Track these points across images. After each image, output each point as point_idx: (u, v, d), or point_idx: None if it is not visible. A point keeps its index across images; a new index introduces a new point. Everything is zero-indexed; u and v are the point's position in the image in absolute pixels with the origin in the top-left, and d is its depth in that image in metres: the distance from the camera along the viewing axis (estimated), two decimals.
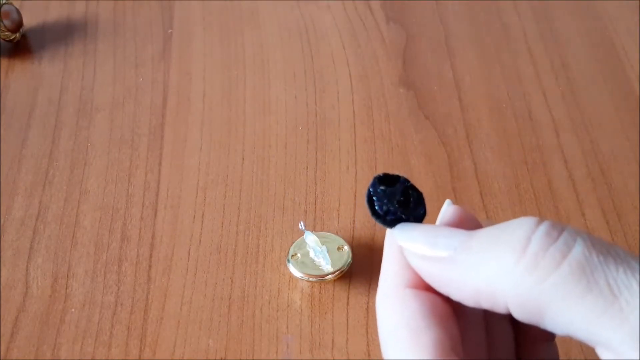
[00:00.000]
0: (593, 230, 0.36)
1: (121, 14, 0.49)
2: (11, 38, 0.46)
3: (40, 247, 0.37)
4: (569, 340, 0.20)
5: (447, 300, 0.24)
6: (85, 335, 0.34)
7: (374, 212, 0.24)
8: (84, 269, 0.36)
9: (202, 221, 0.38)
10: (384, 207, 0.24)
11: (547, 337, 0.25)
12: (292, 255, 0.35)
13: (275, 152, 0.41)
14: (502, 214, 0.37)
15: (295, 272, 0.35)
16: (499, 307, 0.22)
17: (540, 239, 0.21)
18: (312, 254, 0.35)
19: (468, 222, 0.25)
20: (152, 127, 0.42)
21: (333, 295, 0.35)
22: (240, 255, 0.36)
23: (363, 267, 0.36)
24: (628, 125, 0.41)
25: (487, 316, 0.25)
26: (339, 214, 0.38)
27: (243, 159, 0.40)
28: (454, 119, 0.42)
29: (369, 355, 0.33)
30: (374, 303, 0.34)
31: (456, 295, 0.23)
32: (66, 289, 0.35)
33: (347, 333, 0.33)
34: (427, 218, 0.24)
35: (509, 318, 0.24)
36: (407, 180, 0.25)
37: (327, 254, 0.35)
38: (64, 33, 0.48)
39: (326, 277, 0.35)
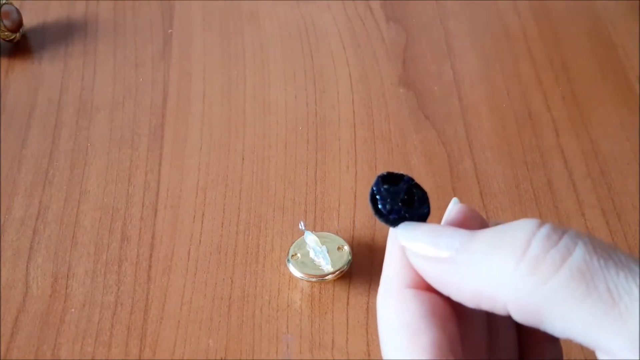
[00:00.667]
0: (593, 230, 0.36)
1: (121, 14, 0.49)
2: (11, 38, 0.46)
3: (40, 247, 0.37)
4: (570, 341, 0.20)
5: (447, 300, 0.24)
6: (85, 335, 0.34)
7: (377, 211, 0.24)
8: (84, 269, 0.36)
9: (202, 221, 0.38)
10: (387, 206, 0.24)
11: (551, 338, 0.25)
12: (292, 255, 0.35)
13: (275, 152, 0.41)
14: (502, 214, 0.37)
15: (295, 272, 0.35)
16: (498, 309, 0.22)
17: (540, 242, 0.21)
18: (312, 254, 0.35)
19: (474, 221, 0.25)
20: (152, 127, 0.42)
21: (333, 295, 0.35)
22: (240, 255, 0.36)
23: (363, 267, 0.36)
24: (628, 125, 0.41)
25: (489, 316, 0.25)
26: (339, 214, 0.38)
27: (243, 159, 0.40)
28: (454, 119, 0.42)
29: (369, 355, 0.33)
30: (374, 303, 0.34)
31: (456, 296, 0.23)
32: (66, 289, 0.35)
33: (347, 333, 0.33)
34: (431, 218, 0.24)
35: (512, 318, 0.24)
36: (411, 179, 0.25)
37: (327, 254, 0.35)
38: (64, 33, 0.48)
39: (326, 277, 0.35)
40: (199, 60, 0.46)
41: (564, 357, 0.26)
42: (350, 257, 0.35)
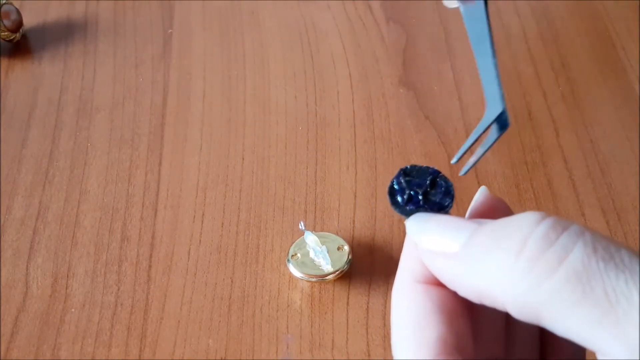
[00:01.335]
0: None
1: (121, 14, 0.49)
2: (11, 38, 0.46)
3: (40, 247, 0.37)
4: None
5: (458, 295, 0.23)
6: (85, 335, 0.34)
7: (394, 202, 0.24)
8: (84, 269, 0.36)
9: (202, 221, 0.38)
10: (405, 196, 0.24)
11: None
12: (292, 255, 0.35)
13: (275, 152, 0.41)
14: None
15: (295, 272, 0.35)
16: (499, 306, 0.21)
17: (538, 241, 0.20)
18: (312, 254, 0.35)
19: (500, 212, 0.25)
20: (152, 127, 0.42)
21: (333, 295, 0.35)
22: (240, 255, 0.36)
23: (363, 267, 0.36)
24: (628, 125, 0.41)
25: None
26: (339, 214, 0.38)
27: (243, 159, 0.40)
28: (454, 119, 0.42)
29: (369, 355, 0.33)
30: (374, 303, 0.34)
31: (461, 291, 0.22)
32: (66, 289, 0.35)
33: (347, 333, 0.33)
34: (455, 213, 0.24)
35: None
36: (437, 171, 0.24)
37: (327, 254, 0.35)
38: (64, 33, 0.48)
39: (326, 277, 0.35)
40: (199, 60, 0.46)
41: None
42: (350, 257, 0.35)
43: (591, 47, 0.46)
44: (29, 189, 0.39)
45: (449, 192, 0.24)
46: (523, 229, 0.21)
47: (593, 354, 0.20)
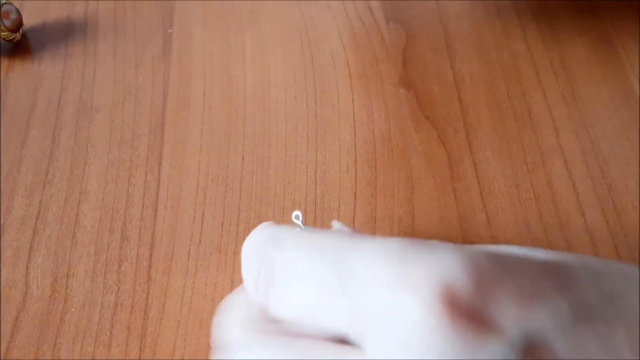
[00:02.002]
0: (593, 230, 0.36)
1: (121, 14, 0.49)
2: (11, 38, 0.46)
3: (40, 246, 0.37)
4: None
5: None
6: (85, 335, 0.34)
7: None
8: (84, 269, 0.36)
9: (202, 221, 0.38)
10: None
11: None
12: None
13: (275, 152, 0.41)
14: (502, 214, 0.37)
15: None
16: None
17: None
18: None
19: None
20: (152, 127, 0.42)
21: None
22: (240, 255, 0.36)
23: None
24: (628, 125, 0.41)
25: None
26: (339, 214, 0.38)
27: (243, 159, 0.40)
28: (454, 119, 0.42)
29: None
30: None
31: None
32: (66, 288, 0.35)
33: None
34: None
35: None
36: None
37: None
38: (64, 33, 0.48)
39: None
40: (199, 60, 0.46)
41: None
42: None
43: (591, 47, 0.46)
44: (29, 189, 0.39)
45: None
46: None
47: None
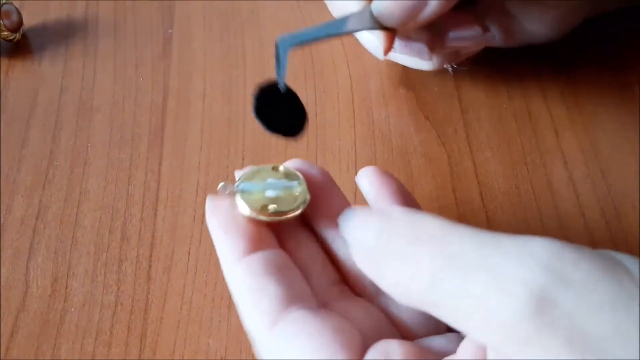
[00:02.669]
0: (593, 230, 0.36)
1: (121, 14, 0.49)
2: (11, 38, 0.46)
3: (40, 246, 0.37)
4: None
5: (280, 251, 0.27)
6: (85, 335, 0.34)
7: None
8: (84, 269, 0.36)
9: (202, 221, 0.38)
10: None
11: None
12: None
13: (275, 152, 0.41)
14: (502, 214, 0.37)
15: None
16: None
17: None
18: None
19: (389, 186, 0.29)
20: (152, 127, 0.42)
21: None
22: None
23: None
24: (628, 125, 0.41)
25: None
26: None
27: (243, 159, 0.40)
28: (454, 119, 0.42)
29: None
30: None
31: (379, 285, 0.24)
32: (66, 288, 0.35)
33: None
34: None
35: None
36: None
37: None
38: (64, 33, 0.48)
39: None
40: (199, 60, 0.46)
41: None
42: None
43: (591, 46, 0.46)
44: (28, 189, 0.39)
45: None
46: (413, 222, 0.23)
47: None
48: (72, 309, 0.34)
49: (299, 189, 0.29)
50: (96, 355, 0.33)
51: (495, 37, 0.41)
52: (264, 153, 0.40)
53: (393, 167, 0.40)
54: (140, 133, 0.42)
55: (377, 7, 0.34)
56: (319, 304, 0.26)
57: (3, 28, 0.45)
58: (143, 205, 0.38)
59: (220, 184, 0.27)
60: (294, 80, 0.44)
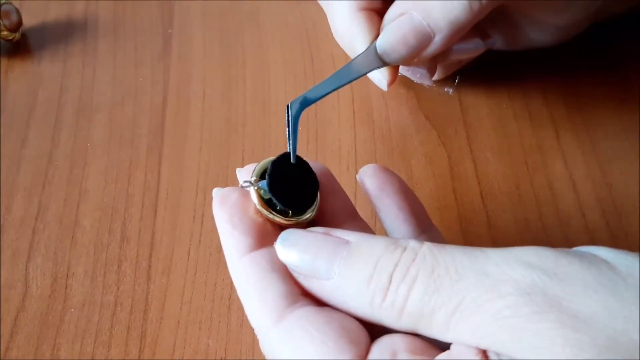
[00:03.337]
0: (594, 230, 0.36)
1: (121, 14, 0.49)
2: (11, 38, 0.46)
3: (39, 246, 0.37)
4: None
5: None
6: (85, 335, 0.34)
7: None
8: (83, 269, 0.36)
9: (202, 221, 0.38)
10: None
11: None
12: None
13: (275, 152, 0.40)
14: (503, 214, 0.37)
15: None
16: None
17: (382, 272, 0.23)
18: None
19: (390, 185, 0.29)
20: (152, 127, 0.42)
21: None
22: None
23: None
24: (628, 125, 0.41)
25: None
26: None
27: (243, 159, 0.40)
28: (454, 119, 0.42)
29: None
30: None
31: (343, 310, 0.25)
32: (66, 288, 0.35)
33: None
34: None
35: None
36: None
37: None
38: (64, 33, 0.48)
39: None
40: (199, 60, 0.46)
41: None
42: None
43: (591, 46, 0.46)
44: (28, 189, 0.39)
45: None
46: (373, 254, 0.24)
47: None
48: (72, 309, 0.34)
49: None
50: (96, 355, 0.33)
51: (498, 43, 0.41)
52: (264, 153, 0.40)
53: (393, 167, 0.39)
54: (140, 133, 0.42)
55: (382, 45, 0.35)
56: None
57: (3, 28, 0.45)
58: (143, 206, 0.38)
59: (243, 181, 0.27)
60: (294, 79, 0.44)
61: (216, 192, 0.28)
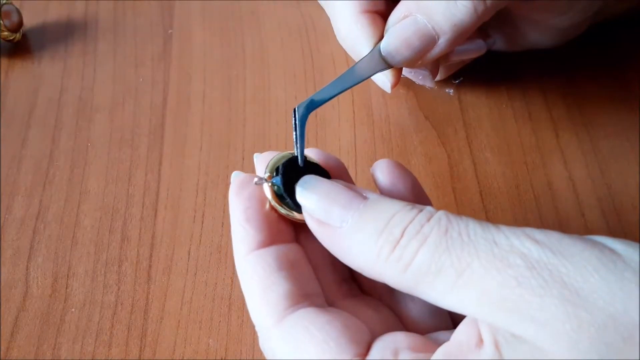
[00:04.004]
0: (593, 230, 0.36)
1: (121, 14, 0.49)
2: (11, 38, 0.46)
3: (40, 246, 0.37)
4: None
5: (295, 246, 0.27)
6: (86, 335, 0.34)
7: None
8: (84, 269, 0.36)
9: (202, 221, 0.38)
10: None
11: None
12: None
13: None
14: (502, 214, 0.37)
15: None
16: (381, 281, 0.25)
17: (396, 226, 0.23)
18: None
19: (403, 179, 0.29)
20: (152, 127, 0.42)
21: None
22: None
23: None
24: (628, 125, 0.41)
25: None
26: None
27: (243, 159, 0.40)
28: (454, 119, 0.42)
29: None
30: None
31: (346, 263, 0.25)
32: (66, 288, 0.35)
33: None
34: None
35: None
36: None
37: None
38: (64, 33, 0.48)
39: None
40: (199, 60, 0.46)
41: None
42: None
43: (591, 46, 0.46)
44: (29, 189, 0.39)
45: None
46: (389, 210, 0.24)
47: None
48: (72, 309, 0.34)
49: None
50: (96, 355, 0.33)
51: (498, 43, 0.41)
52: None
53: None
54: (140, 133, 0.42)
55: (386, 48, 0.35)
56: (328, 301, 0.26)
57: (3, 28, 0.45)
58: (143, 206, 0.38)
59: (256, 178, 0.27)
60: (294, 79, 0.44)
61: (235, 177, 0.28)
